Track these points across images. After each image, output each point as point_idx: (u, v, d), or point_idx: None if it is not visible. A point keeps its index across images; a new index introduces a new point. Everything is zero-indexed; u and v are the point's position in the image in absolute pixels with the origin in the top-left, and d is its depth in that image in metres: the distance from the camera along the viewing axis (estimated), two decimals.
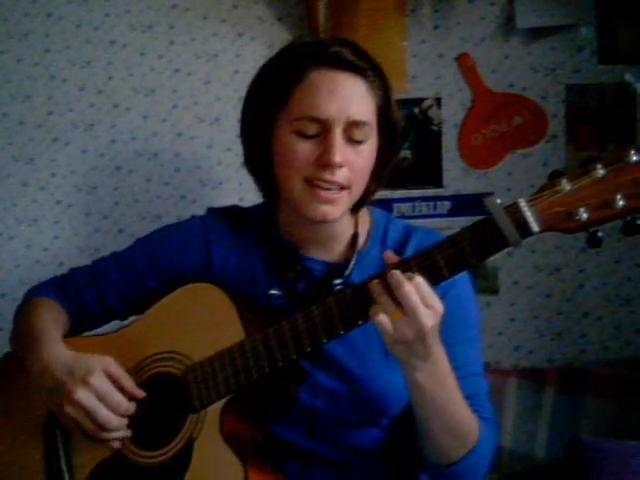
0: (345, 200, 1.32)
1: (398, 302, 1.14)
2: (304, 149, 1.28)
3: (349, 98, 1.28)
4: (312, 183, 1.29)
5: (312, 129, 1.28)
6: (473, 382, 1.37)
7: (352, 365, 1.37)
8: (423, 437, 1.31)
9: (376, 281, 1.17)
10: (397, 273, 1.15)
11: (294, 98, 1.29)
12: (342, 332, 1.22)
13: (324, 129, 1.28)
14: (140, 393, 1.35)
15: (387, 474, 1.45)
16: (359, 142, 1.30)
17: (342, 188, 1.30)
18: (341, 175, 1.29)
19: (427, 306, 1.14)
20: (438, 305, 1.15)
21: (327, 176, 1.28)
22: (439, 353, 1.21)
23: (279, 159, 1.33)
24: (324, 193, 1.29)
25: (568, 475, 2.14)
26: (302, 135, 1.28)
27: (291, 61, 1.32)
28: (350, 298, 1.21)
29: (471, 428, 1.31)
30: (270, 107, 1.32)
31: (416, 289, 1.13)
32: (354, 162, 1.30)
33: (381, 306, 1.15)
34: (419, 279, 1.14)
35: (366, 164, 1.33)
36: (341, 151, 1.27)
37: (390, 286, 1.15)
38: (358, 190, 1.34)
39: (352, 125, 1.28)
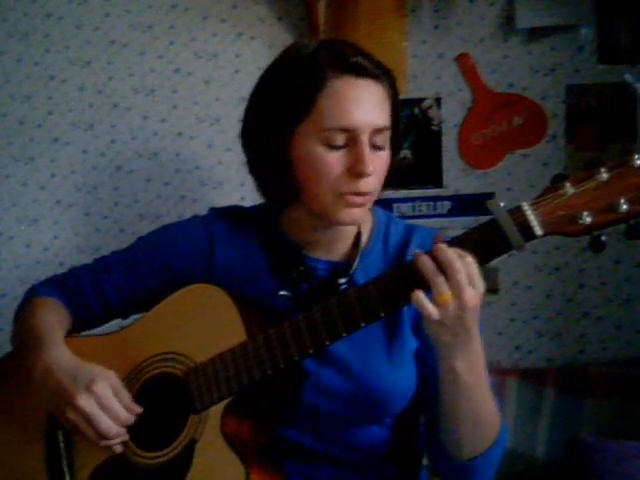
0: (369, 203, 1.35)
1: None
2: (335, 161, 1.29)
3: (372, 106, 1.29)
4: (345, 194, 1.30)
5: (341, 139, 1.28)
6: None
7: (355, 364, 1.37)
8: (450, 429, 1.31)
9: (426, 258, 1.16)
10: (446, 249, 1.14)
11: (318, 107, 1.28)
12: (344, 334, 1.22)
13: (351, 138, 1.28)
14: (136, 409, 1.35)
15: (390, 472, 1.46)
16: (380, 148, 1.31)
17: (367, 193, 1.31)
18: (371, 183, 1.30)
19: (473, 285, 1.14)
20: (481, 286, 1.15)
21: (361, 187, 1.29)
22: (477, 340, 1.20)
23: (306, 170, 1.32)
24: (356, 199, 1.30)
25: (568, 475, 2.14)
26: (330, 146, 1.29)
27: (310, 69, 1.30)
28: (352, 300, 1.21)
29: (495, 421, 1.31)
30: (292, 115, 1.31)
31: (465, 267, 1.13)
32: (378, 168, 1.31)
33: (435, 287, 1.14)
34: (469, 258, 1.14)
35: (386, 168, 1.35)
36: (371, 160, 1.28)
37: (439, 262, 1.14)
38: (377, 193, 1.36)
39: (376, 132, 1.29)
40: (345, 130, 1.28)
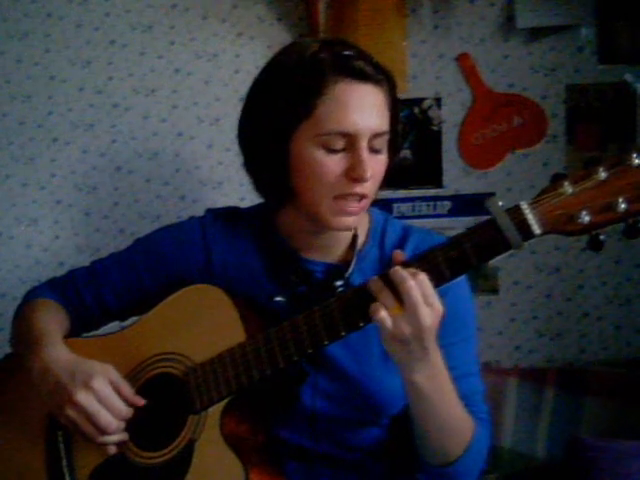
0: (364, 209, 1.35)
1: (398, 298, 1.15)
2: (333, 164, 1.29)
3: (373, 111, 1.29)
4: (341, 197, 1.30)
5: (340, 144, 1.28)
6: (469, 382, 1.38)
7: (351, 368, 1.37)
8: (419, 437, 1.32)
9: (375, 278, 1.19)
10: (400, 269, 1.16)
11: (319, 111, 1.28)
12: (343, 333, 1.22)
13: (349, 142, 1.28)
14: (139, 401, 1.35)
15: (388, 472, 1.46)
16: (378, 151, 1.31)
17: (363, 198, 1.31)
18: (367, 186, 1.30)
19: (427, 304, 1.15)
20: (438, 305, 1.16)
21: (357, 189, 1.29)
22: (436, 355, 1.21)
23: (303, 172, 1.32)
24: (351, 207, 1.31)
25: (568, 475, 2.14)
26: (329, 149, 1.29)
27: (311, 71, 1.29)
28: (351, 299, 1.21)
29: (466, 428, 1.31)
30: (290, 117, 1.30)
31: (418, 285, 1.14)
32: (376, 172, 1.31)
33: (381, 301, 1.16)
34: (422, 276, 1.15)
35: (383, 171, 1.35)
36: (369, 165, 1.28)
37: (393, 282, 1.16)
38: (373, 196, 1.36)
39: (375, 137, 1.29)
40: (345, 135, 1.28)
